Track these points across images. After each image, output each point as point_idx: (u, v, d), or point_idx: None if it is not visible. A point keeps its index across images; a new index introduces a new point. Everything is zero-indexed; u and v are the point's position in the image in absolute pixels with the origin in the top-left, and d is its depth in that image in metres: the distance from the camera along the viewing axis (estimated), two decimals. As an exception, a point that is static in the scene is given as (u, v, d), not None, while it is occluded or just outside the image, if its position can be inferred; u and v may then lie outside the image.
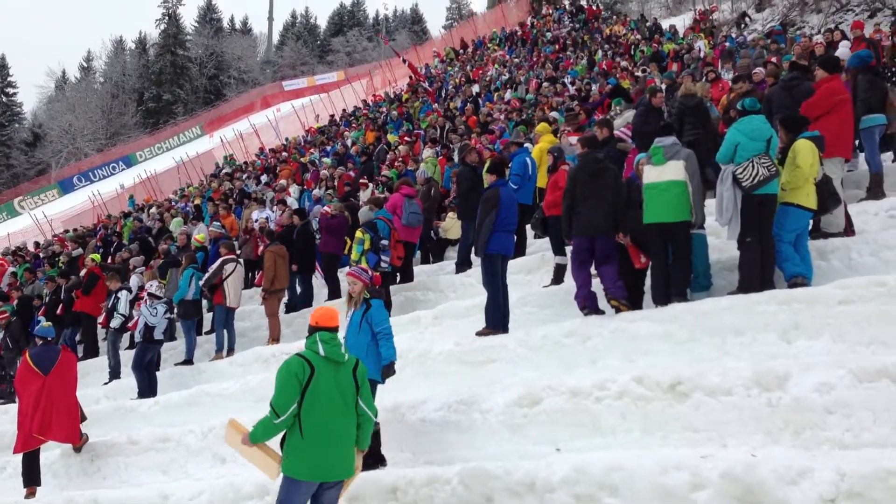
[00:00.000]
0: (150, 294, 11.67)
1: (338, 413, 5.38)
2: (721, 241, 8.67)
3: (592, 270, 8.14)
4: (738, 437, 5.85)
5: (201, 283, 12.37)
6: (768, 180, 7.33)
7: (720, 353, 6.90)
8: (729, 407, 5.94)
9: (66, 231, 27.48)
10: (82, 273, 15.18)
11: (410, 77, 30.34)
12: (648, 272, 8.13)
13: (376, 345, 7.01)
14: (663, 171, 7.71)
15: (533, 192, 11.84)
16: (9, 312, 15.25)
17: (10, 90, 77.38)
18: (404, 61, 23.51)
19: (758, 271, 7.42)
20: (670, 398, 6.23)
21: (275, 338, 12.18)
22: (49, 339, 9.71)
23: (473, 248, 9.64)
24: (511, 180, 10.57)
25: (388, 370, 6.98)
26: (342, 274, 13.35)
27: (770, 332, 6.81)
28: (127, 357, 13.02)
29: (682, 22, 35.10)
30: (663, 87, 13.67)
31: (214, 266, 12.33)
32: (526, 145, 12.67)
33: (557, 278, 9.94)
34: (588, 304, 7.98)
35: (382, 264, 10.80)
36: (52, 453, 9.98)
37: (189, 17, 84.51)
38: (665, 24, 34.46)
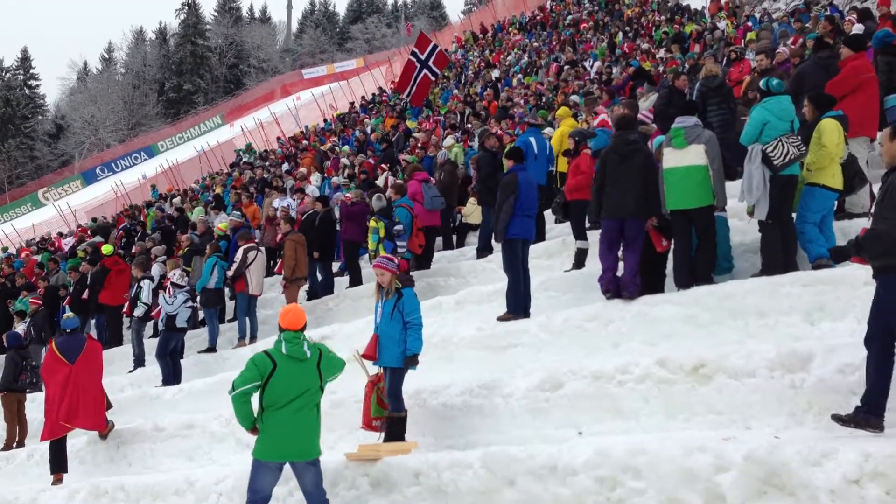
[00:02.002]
0: (172, 283, 11.76)
1: (297, 404, 6.07)
2: (743, 224, 8.59)
3: (620, 254, 8.08)
4: (761, 420, 5.82)
5: (228, 273, 12.43)
6: (798, 159, 7.24)
7: (743, 336, 6.85)
8: (752, 389, 5.91)
9: (95, 219, 27.73)
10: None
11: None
12: (670, 255, 8.06)
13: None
14: (684, 156, 7.60)
15: (548, 174, 11.80)
16: (40, 300, 15.42)
17: (33, 82, 78.17)
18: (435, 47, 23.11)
19: (780, 253, 7.34)
20: (693, 381, 6.20)
21: (295, 326, 12.21)
22: (74, 329, 9.83)
23: (493, 234, 9.62)
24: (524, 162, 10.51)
25: (410, 361, 7.05)
26: (363, 261, 13.43)
27: (794, 313, 6.75)
28: (151, 345, 13.15)
29: (703, 2, 34.63)
30: (686, 67, 13.53)
31: (238, 256, 12.38)
32: (547, 129, 12.61)
33: (579, 262, 9.90)
34: (611, 288, 7.92)
35: (399, 250, 10.81)
36: (78, 440, 10.12)
37: (208, 6, 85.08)
38: (686, 5, 34.02)
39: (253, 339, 12.38)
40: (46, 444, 9.66)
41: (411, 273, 11.45)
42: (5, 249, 28.42)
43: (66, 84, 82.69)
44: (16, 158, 69.47)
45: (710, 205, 7.61)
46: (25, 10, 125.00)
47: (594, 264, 8.76)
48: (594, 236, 9.25)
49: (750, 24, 22.65)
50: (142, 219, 23.40)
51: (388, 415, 7.22)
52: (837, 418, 5.10)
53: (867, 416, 4.95)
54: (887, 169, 5.14)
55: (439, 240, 13.63)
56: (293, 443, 6.11)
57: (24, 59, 77.66)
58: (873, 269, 5.06)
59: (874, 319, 4.95)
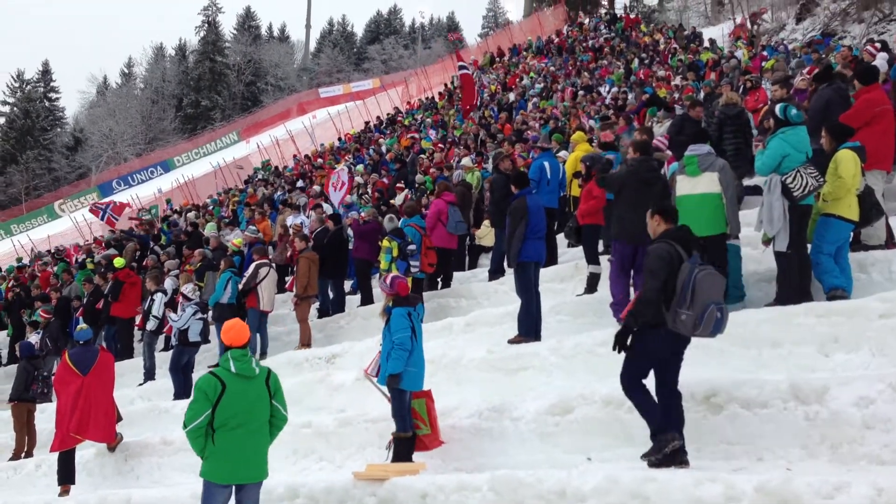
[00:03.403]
0: (182, 296, 11.81)
1: (248, 424, 5.92)
2: (757, 253, 8.55)
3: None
4: (773, 451, 5.78)
5: (239, 286, 12.46)
6: (815, 190, 7.21)
7: (756, 366, 6.81)
8: (765, 420, 5.87)
9: (112, 231, 27.90)
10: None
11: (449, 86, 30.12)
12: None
13: None
14: (697, 184, 7.54)
15: (560, 197, 11.82)
16: (51, 312, 15.49)
17: (53, 95, 79.07)
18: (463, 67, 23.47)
19: (796, 283, 7.31)
20: (705, 410, 6.17)
21: (305, 343, 12.24)
22: (88, 340, 9.88)
23: (506, 259, 9.63)
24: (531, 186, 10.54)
25: (388, 381, 7.10)
26: (375, 280, 13.45)
27: (808, 344, 6.71)
28: (162, 359, 13.18)
29: (720, 31, 34.78)
30: (702, 95, 13.55)
31: (249, 271, 12.43)
32: (562, 153, 12.63)
33: (591, 287, 9.87)
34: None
35: (412, 269, 10.84)
36: (86, 452, 10.13)
37: (228, 24, 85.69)
38: (703, 34, 34.16)
39: (263, 354, 12.38)
40: (55, 454, 9.67)
41: (425, 293, 11.53)
42: (19, 260, 28.63)
43: (86, 97, 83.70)
44: (34, 170, 70.12)
45: (723, 233, 7.58)
46: (47, 24, 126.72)
47: (606, 289, 8.74)
48: (606, 261, 9.24)
49: (766, 53, 22.70)
50: (155, 232, 23.52)
51: (393, 434, 7.23)
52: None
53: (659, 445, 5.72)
54: None
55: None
56: (246, 465, 5.96)
57: (45, 72, 78.61)
58: None
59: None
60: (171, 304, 13.29)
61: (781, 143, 7.41)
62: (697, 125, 10.96)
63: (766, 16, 36.17)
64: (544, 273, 9.66)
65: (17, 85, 76.53)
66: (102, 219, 24.77)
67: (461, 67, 21.67)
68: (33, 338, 14.69)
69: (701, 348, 7.17)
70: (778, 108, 7.75)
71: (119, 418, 10.07)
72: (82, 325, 10.68)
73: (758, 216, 7.67)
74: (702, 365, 7.05)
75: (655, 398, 5.90)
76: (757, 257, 8.52)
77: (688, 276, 5.67)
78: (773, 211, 7.31)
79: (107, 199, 27.37)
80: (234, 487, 6.04)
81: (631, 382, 5.96)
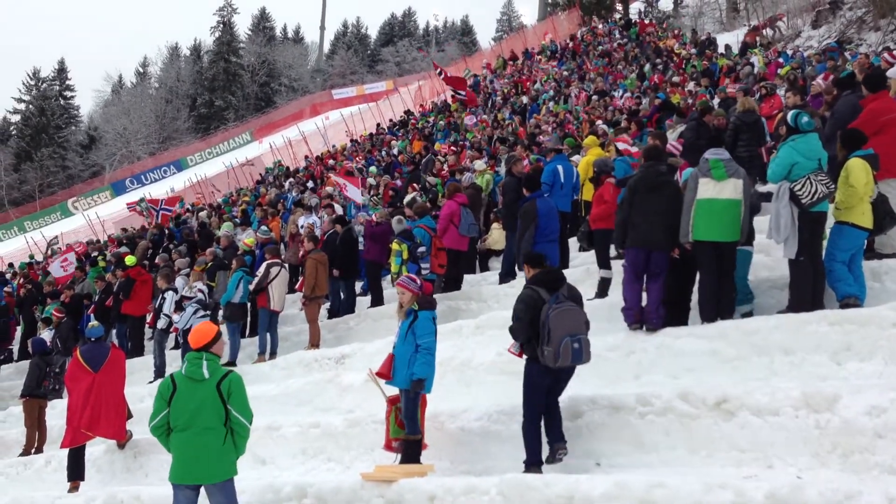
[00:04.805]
0: (182, 296, 11.87)
1: (196, 425, 6.07)
2: (770, 259, 8.52)
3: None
4: (784, 459, 5.75)
5: (251, 287, 12.49)
6: (826, 197, 7.17)
7: (768, 373, 6.78)
8: (776, 427, 5.84)
9: (124, 230, 28.11)
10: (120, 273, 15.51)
11: (455, 94, 30.33)
12: (695, 288, 8.00)
13: None
14: (723, 189, 7.51)
15: (573, 201, 11.80)
16: (63, 311, 15.56)
17: (69, 93, 79.63)
18: (440, 73, 23.74)
19: (809, 290, 7.26)
20: (716, 416, 6.14)
21: (314, 343, 12.25)
22: (99, 337, 9.92)
23: (516, 262, 9.62)
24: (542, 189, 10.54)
25: (415, 385, 7.04)
26: (385, 282, 13.46)
27: (820, 352, 6.67)
28: (172, 357, 13.22)
29: (735, 38, 34.64)
30: (716, 101, 13.52)
31: (261, 270, 12.46)
32: (575, 157, 12.61)
33: (602, 292, 9.85)
34: (637, 320, 7.86)
35: (423, 272, 10.83)
36: (96, 449, 10.16)
37: (243, 25, 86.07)
38: (718, 40, 34.05)
39: (273, 354, 12.40)
40: (65, 450, 9.72)
41: (436, 295, 11.52)
42: (31, 257, 28.83)
43: (101, 96, 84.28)
44: (48, 167, 70.56)
45: (738, 240, 7.57)
46: (64, 23, 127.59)
47: (617, 294, 8.71)
48: (618, 266, 9.21)
49: (781, 60, 22.60)
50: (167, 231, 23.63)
51: (403, 437, 7.21)
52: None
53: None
54: None
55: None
56: (198, 465, 6.11)
57: (61, 71, 79.14)
58: None
59: None
60: (180, 303, 13.36)
61: (791, 151, 7.36)
62: (710, 130, 10.96)
63: (781, 22, 36.02)
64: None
65: (32, 83, 77.11)
66: (158, 218, 24.87)
67: (439, 73, 22.05)
68: (45, 334, 14.77)
69: (712, 355, 7.17)
70: (790, 115, 7.71)
71: (129, 415, 10.10)
72: (94, 323, 10.73)
73: (768, 223, 7.64)
74: (713, 371, 7.04)
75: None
76: (769, 264, 8.49)
77: (545, 316, 6.36)
78: (781, 218, 7.27)
79: (156, 198, 27.73)
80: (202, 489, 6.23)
81: (532, 415, 6.62)
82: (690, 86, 21.24)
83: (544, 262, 7.11)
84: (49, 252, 29.77)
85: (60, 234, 38.29)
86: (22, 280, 21.98)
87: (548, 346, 6.32)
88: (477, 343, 9.65)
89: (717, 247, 7.51)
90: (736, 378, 6.80)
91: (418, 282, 7.40)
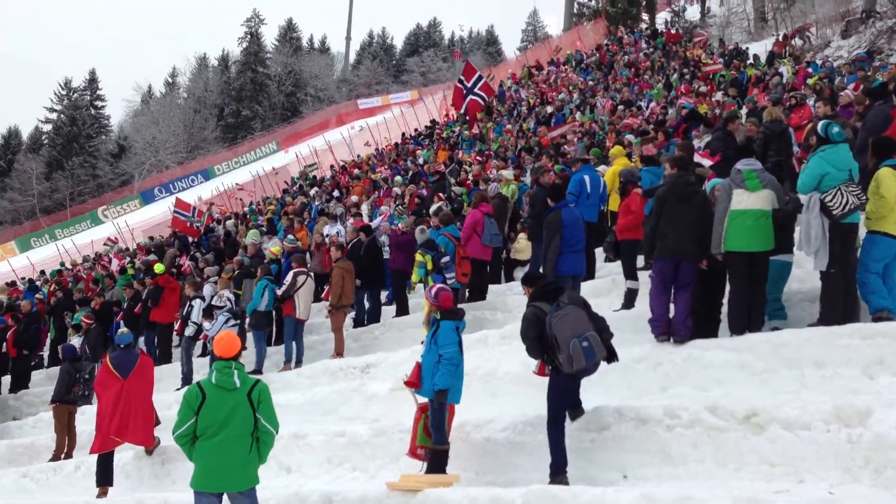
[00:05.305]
0: (211, 305, 11.93)
1: (227, 434, 6.08)
2: (801, 271, 8.42)
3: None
4: (815, 473, 5.67)
5: (278, 293, 12.54)
6: (858, 208, 7.09)
7: (798, 386, 6.70)
8: (807, 441, 5.77)
9: (151, 238, 28.44)
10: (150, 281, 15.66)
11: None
12: (724, 300, 7.93)
13: None
14: (757, 199, 7.47)
15: (600, 211, 11.75)
16: (92, 318, 15.74)
17: (100, 103, 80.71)
18: (480, 77, 23.45)
19: (840, 303, 7.17)
20: (745, 430, 6.08)
21: (339, 352, 12.28)
22: (128, 344, 10.03)
23: (543, 272, 9.59)
24: (567, 199, 10.51)
25: (437, 396, 7.06)
26: (411, 291, 13.48)
27: (852, 366, 6.59)
28: (199, 364, 13.32)
29: (763, 48, 34.38)
30: (744, 111, 13.42)
31: (288, 279, 12.52)
32: (601, 167, 12.57)
33: (628, 303, 9.79)
34: (666, 332, 7.80)
35: (448, 282, 10.82)
36: (124, 455, 10.26)
37: (270, 35, 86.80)
38: (746, 50, 33.82)
39: (298, 363, 12.45)
40: (94, 456, 9.83)
41: (461, 305, 11.51)
42: (62, 264, 29.23)
43: (131, 106, 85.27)
44: (79, 176, 71.54)
45: (772, 249, 7.50)
46: (96, 34, 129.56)
47: (643, 305, 8.65)
48: (644, 276, 9.16)
49: (811, 70, 22.41)
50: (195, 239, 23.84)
51: (430, 446, 7.21)
52: None
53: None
54: None
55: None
56: (224, 473, 6.12)
57: (92, 81, 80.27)
58: None
59: None
60: (209, 311, 13.45)
61: (820, 162, 7.31)
62: (736, 140, 10.88)
63: (809, 32, 35.67)
64: (582, 287, 9.60)
65: (64, 93, 78.27)
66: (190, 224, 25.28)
67: (459, 81, 21.84)
68: (75, 341, 14.93)
69: (741, 368, 7.09)
70: (820, 125, 7.66)
71: (157, 422, 10.19)
72: (123, 330, 10.84)
73: (798, 235, 7.57)
74: (742, 384, 6.97)
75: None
76: (800, 276, 8.39)
77: (548, 326, 6.57)
78: (811, 230, 7.21)
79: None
80: (224, 496, 6.24)
81: (557, 417, 6.73)
82: (718, 96, 21.11)
83: (540, 279, 7.34)
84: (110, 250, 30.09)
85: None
86: (53, 287, 22.27)
87: (560, 353, 6.48)
88: (502, 353, 9.63)
89: (749, 257, 7.44)
90: (765, 391, 6.73)
91: (433, 292, 7.44)
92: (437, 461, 7.15)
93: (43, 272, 29.80)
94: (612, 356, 6.83)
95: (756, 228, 7.40)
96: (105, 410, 9.59)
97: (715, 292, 7.93)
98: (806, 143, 10.95)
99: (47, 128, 77.98)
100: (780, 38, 32.79)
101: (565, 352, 6.43)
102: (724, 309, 7.91)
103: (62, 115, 76.89)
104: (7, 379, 16.24)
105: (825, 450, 5.66)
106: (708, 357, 7.33)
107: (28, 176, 70.46)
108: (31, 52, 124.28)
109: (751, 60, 28.73)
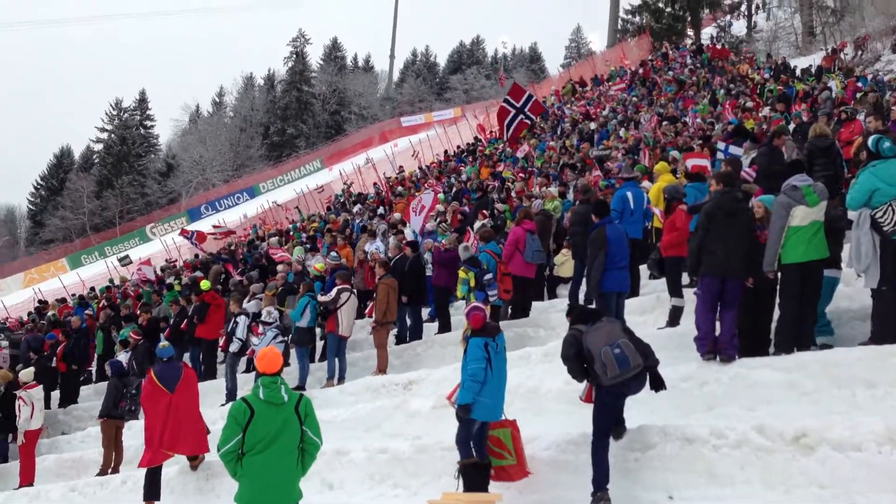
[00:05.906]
0: (260, 321, 12.02)
1: (276, 449, 6.03)
2: (851, 289, 8.24)
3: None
4: (866, 496, 5.55)
5: (319, 300, 12.60)
6: (910, 224, 6.92)
7: (849, 406, 6.54)
8: (858, 463, 5.63)
9: (196, 255, 28.87)
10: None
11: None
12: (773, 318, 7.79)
13: None
14: (815, 213, 7.42)
15: (644, 228, 11.64)
16: (140, 334, 16.01)
17: (149, 123, 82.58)
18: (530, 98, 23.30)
19: (893, 321, 6.99)
20: (794, 450, 5.95)
21: (382, 369, 12.30)
22: (171, 357, 10.16)
23: (586, 289, 9.53)
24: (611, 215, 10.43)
25: (458, 411, 7.14)
26: (453, 308, 13.47)
27: (905, 386, 6.40)
28: (244, 380, 13.44)
29: (811, 62, 33.89)
30: (791, 126, 13.22)
31: (332, 293, 12.59)
32: (645, 184, 12.46)
33: (673, 320, 9.66)
34: (712, 350, 7.68)
35: (491, 299, 10.80)
36: (170, 470, 10.38)
37: (315, 55, 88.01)
38: (794, 64, 33.38)
39: (341, 379, 12.50)
40: (141, 471, 9.94)
41: (502, 322, 11.47)
42: (111, 281, 29.82)
43: (179, 125, 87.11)
44: (128, 194, 73.23)
45: (827, 257, 7.41)
46: (146, 55, 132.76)
47: (689, 323, 8.53)
48: (689, 294, 9.04)
49: (860, 84, 22.00)
50: (239, 256, 24.15)
51: (457, 462, 7.22)
52: None
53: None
54: None
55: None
56: (272, 488, 6.06)
57: (142, 101, 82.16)
58: None
59: None
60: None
61: (870, 177, 7.17)
62: (782, 155, 10.73)
63: (865, 43, 35.08)
64: (626, 305, 9.52)
65: (115, 112, 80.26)
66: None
67: (506, 101, 21.81)
68: (122, 356, 15.19)
69: (790, 387, 6.94)
70: (871, 140, 7.50)
71: (207, 431, 10.27)
72: (164, 343, 10.93)
73: (848, 252, 7.41)
74: (791, 404, 6.83)
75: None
76: (850, 294, 8.21)
77: (584, 342, 6.74)
78: (861, 246, 7.06)
79: (192, 227, 28.73)
80: None
81: (601, 432, 6.75)
82: (765, 111, 20.83)
83: (580, 308, 7.58)
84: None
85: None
86: (103, 303, 22.72)
87: (595, 364, 6.61)
88: (545, 371, 9.56)
89: (803, 270, 7.31)
90: (815, 412, 6.58)
91: (466, 311, 7.54)
92: (474, 478, 7.12)
93: (93, 288, 30.45)
94: (659, 384, 6.76)
95: (815, 239, 7.36)
96: (154, 424, 9.71)
97: (762, 310, 7.78)
98: (856, 158, 10.75)
99: (98, 147, 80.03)
100: (829, 52, 32.31)
101: (598, 360, 6.54)
102: (772, 327, 7.76)
103: (113, 135, 78.85)
104: (56, 394, 16.57)
105: (877, 472, 5.53)
106: (755, 376, 7.20)
107: (79, 194, 72.45)
108: (85, 74, 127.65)
109: (798, 74, 28.33)
